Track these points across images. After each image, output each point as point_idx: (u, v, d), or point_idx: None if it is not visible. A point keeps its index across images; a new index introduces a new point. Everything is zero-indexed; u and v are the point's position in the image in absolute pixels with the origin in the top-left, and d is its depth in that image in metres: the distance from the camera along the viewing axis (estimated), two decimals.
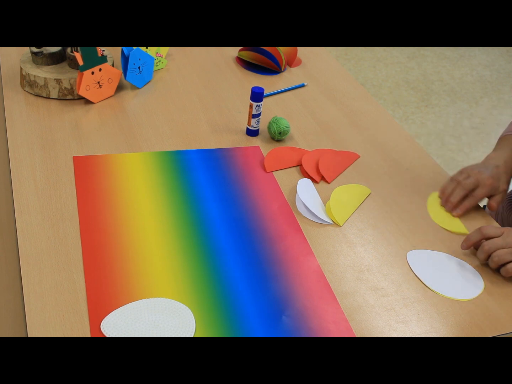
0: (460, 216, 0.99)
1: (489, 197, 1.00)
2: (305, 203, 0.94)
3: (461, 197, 0.98)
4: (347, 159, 1.09)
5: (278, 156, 1.06)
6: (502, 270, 0.86)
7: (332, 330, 0.76)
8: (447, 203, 0.99)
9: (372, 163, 1.09)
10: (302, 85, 1.31)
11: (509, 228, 0.88)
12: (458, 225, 0.97)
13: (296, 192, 0.98)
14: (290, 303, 0.79)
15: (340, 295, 0.82)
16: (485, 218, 1.00)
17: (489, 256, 0.87)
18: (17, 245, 0.82)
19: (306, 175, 1.03)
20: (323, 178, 1.03)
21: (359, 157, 1.10)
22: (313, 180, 1.02)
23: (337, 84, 1.34)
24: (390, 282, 0.85)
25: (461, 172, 1.01)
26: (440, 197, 1.02)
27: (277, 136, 1.10)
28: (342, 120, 1.21)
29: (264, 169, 1.03)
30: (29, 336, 0.71)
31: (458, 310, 0.82)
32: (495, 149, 1.06)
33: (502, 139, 1.07)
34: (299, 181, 0.99)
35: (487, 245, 0.86)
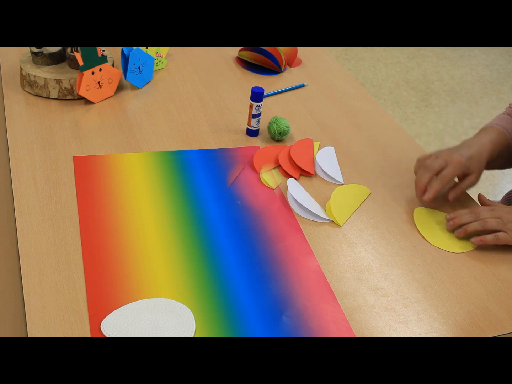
0: (430, 200, 0.96)
1: (462, 178, 0.98)
2: (302, 203, 0.94)
3: (428, 179, 0.95)
4: (308, 146, 1.09)
5: (266, 156, 1.06)
6: (493, 236, 0.90)
7: (332, 330, 0.76)
8: (416, 189, 0.97)
9: (372, 163, 1.09)
10: (302, 85, 1.31)
11: (498, 204, 0.92)
12: (449, 243, 0.93)
13: (288, 192, 0.98)
14: (290, 303, 0.79)
15: (340, 295, 0.82)
16: None
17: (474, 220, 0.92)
18: (17, 245, 0.82)
19: (285, 174, 1.03)
20: (305, 173, 1.03)
21: (312, 141, 1.11)
22: (293, 177, 1.02)
23: (337, 84, 1.34)
24: (390, 282, 0.85)
25: (430, 155, 0.99)
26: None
27: (277, 136, 1.10)
28: (342, 120, 1.21)
29: (255, 170, 1.03)
30: (29, 336, 0.71)
31: (458, 310, 0.82)
32: (473, 136, 1.03)
33: (482, 129, 1.05)
34: (288, 181, 0.99)
35: (479, 214, 0.92)
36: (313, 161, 1.05)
